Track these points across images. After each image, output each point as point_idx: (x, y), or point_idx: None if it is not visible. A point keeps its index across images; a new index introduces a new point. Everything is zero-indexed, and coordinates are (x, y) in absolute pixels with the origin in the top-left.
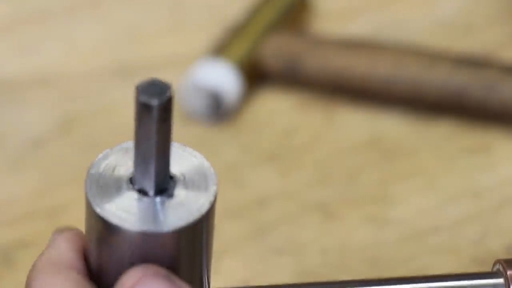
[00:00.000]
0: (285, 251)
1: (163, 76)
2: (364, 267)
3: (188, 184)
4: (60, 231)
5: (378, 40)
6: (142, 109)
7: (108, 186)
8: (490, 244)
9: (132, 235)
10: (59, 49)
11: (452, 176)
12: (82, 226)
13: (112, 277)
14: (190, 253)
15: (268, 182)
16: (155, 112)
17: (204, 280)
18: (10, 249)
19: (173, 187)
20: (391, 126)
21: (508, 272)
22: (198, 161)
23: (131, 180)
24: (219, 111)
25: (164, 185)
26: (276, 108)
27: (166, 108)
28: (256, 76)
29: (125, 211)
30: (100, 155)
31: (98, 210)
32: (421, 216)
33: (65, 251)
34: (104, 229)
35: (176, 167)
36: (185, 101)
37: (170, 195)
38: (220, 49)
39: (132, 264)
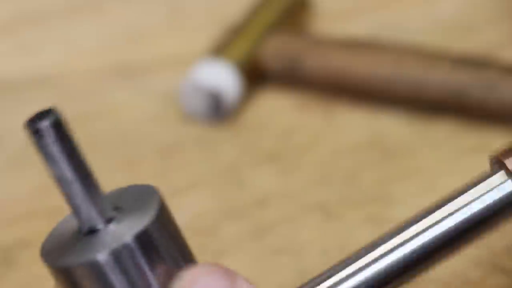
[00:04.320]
0: (285, 251)
1: (163, 76)
2: None
3: (125, 213)
4: None
5: (378, 40)
6: (37, 138)
7: (60, 243)
8: (490, 244)
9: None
10: (59, 49)
11: (452, 176)
12: None
13: None
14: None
15: (268, 182)
16: (47, 132)
17: None
18: (10, 249)
19: (110, 220)
20: (391, 126)
21: (509, 167)
22: (142, 188)
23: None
24: (219, 111)
25: (97, 218)
26: (276, 108)
27: (57, 126)
28: (256, 76)
29: (68, 251)
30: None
31: (49, 263)
32: None
33: None
34: (59, 279)
35: (118, 198)
36: (185, 101)
37: (100, 229)
38: (220, 49)
39: None
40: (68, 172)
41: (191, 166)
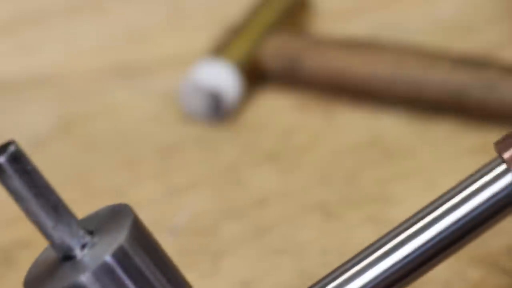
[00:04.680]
0: (285, 251)
1: (163, 76)
2: None
3: (100, 234)
4: None
5: (378, 40)
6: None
7: (41, 273)
8: (490, 244)
9: None
10: (59, 49)
11: (452, 176)
12: None
13: None
14: None
15: (268, 182)
16: (5, 167)
17: None
18: (10, 249)
19: (85, 244)
20: (391, 126)
21: (505, 156)
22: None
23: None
24: (219, 111)
25: (72, 244)
26: (276, 108)
27: (15, 160)
28: (256, 76)
29: (49, 279)
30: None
31: None
32: None
33: None
34: None
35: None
36: (185, 101)
37: (77, 254)
38: (220, 49)
39: None
40: (33, 204)
41: (191, 166)
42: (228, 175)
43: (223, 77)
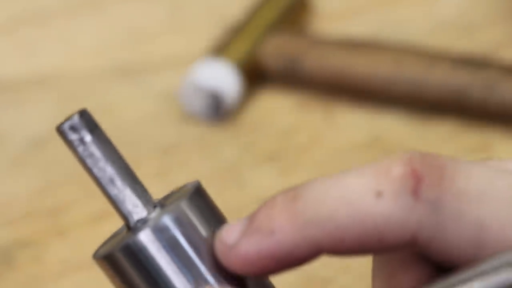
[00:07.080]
0: None
1: (163, 76)
2: (364, 267)
3: (166, 202)
4: None
5: (378, 40)
6: (68, 132)
7: (109, 241)
8: None
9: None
10: (59, 49)
11: None
12: (81, 226)
13: None
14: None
15: (268, 182)
16: (78, 124)
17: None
18: (10, 249)
19: (151, 211)
20: (391, 126)
21: None
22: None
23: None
24: (219, 111)
25: (140, 210)
26: (276, 108)
27: (85, 119)
28: (256, 76)
29: (112, 243)
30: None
31: (96, 257)
32: None
33: None
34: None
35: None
36: (185, 101)
37: (142, 219)
38: (220, 49)
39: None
40: (109, 168)
41: (191, 166)
42: (228, 175)
43: (223, 77)
